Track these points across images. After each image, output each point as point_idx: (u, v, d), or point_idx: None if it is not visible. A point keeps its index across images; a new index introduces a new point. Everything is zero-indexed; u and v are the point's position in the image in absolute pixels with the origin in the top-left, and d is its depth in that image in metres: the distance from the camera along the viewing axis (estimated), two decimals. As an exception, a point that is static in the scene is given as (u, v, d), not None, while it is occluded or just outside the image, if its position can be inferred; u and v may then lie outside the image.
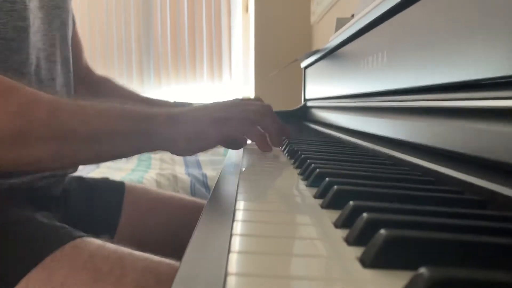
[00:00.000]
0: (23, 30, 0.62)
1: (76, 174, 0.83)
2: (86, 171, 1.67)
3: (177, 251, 0.42)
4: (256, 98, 0.70)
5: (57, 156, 0.50)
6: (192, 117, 0.55)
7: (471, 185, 0.35)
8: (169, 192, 0.92)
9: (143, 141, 0.54)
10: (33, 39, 0.64)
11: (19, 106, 0.47)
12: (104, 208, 0.80)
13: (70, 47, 0.77)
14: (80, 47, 0.88)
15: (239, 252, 0.23)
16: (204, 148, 0.56)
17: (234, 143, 0.62)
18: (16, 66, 0.60)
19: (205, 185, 1.65)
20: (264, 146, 0.60)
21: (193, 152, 0.57)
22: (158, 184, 1.58)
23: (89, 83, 0.87)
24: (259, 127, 0.58)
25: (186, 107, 0.58)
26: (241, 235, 0.26)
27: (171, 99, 0.90)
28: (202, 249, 0.23)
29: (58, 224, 0.57)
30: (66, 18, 0.75)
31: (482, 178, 0.35)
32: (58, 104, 0.50)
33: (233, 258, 0.22)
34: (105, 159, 0.57)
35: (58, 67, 0.72)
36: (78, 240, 0.54)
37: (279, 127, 0.61)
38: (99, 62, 2.78)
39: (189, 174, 1.71)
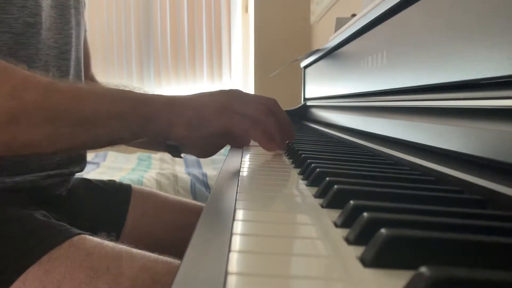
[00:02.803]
0: (33, 26, 0.62)
1: (79, 174, 0.83)
2: (86, 171, 1.67)
3: (183, 255, 0.42)
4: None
5: (53, 139, 0.50)
6: (194, 103, 0.55)
7: (471, 184, 0.36)
8: (177, 197, 0.91)
9: (141, 124, 0.53)
10: (43, 36, 0.64)
11: (13, 88, 0.47)
12: (109, 210, 0.79)
13: (82, 49, 0.77)
14: (88, 57, 0.88)
15: (240, 252, 0.23)
16: (203, 136, 0.55)
17: (236, 141, 0.61)
18: (25, 60, 0.60)
19: (205, 184, 1.65)
20: (266, 146, 0.57)
21: (192, 139, 0.55)
22: (158, 183, 1.58)
23: None
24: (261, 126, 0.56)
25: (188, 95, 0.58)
26: (241, 234, 0.26)
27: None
28: (202, 248, 0.23)
29: (56, 222, 0.57)
30: (80, 20, 0.76)
31: (482, 178, 0.35)
32: (52, 86, 0.50)
33: (234, 258, 0.22)
34: (103, 144, 0.56)
35: (72, 65, 0.72)
36: (75, 238, 0.53)
37: (282, 129, 0.58)
38: (99, 62, 2.78)
39: (189, 174, 1.71)
